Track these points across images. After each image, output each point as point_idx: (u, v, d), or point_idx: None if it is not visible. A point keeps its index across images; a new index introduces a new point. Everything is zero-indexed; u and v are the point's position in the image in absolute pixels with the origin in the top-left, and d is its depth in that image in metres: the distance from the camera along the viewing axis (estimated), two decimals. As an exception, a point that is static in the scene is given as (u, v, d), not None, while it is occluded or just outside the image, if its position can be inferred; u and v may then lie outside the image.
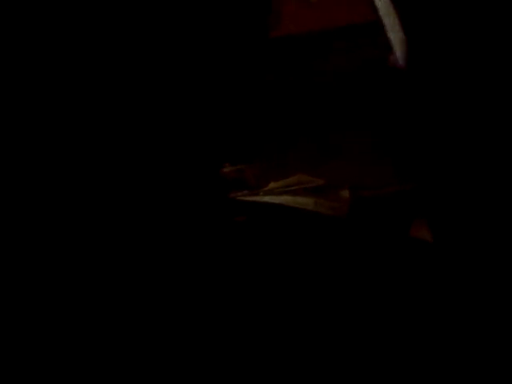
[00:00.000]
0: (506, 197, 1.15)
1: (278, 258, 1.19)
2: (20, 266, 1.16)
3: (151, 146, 1.24)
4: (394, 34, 1.28)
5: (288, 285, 1.18)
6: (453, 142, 1.20)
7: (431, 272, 1.15)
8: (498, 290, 1.11)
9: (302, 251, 1.19)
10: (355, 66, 1.32)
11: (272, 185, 1.23)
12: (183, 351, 1.13)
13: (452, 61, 1.22)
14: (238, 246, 1.20)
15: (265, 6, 1.34)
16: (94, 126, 1.23)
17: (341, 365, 1.12)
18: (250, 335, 1.14)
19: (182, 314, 1.15)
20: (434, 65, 1.23)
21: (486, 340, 1.09)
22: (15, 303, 1.14)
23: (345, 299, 1.16)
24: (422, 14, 1.24)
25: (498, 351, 1.07)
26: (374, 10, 1.31)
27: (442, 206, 1.19)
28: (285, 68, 1.33)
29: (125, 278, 1.17)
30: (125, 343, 1.13)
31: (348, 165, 1.26)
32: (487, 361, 1.07)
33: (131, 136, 1.24)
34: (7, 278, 1.15)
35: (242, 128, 1.28)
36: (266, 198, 1.22)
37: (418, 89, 1.24)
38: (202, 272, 1.19)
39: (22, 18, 1.23)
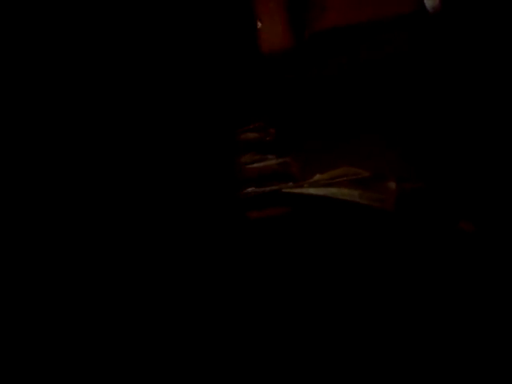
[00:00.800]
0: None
1: (323, 249, 1.19)
2: (20, 266, 1.17)
3: (178, 140, 1.24)
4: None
5: (334, 276, 1.18)
6: (485, 139, 1.19)
7: (476, 264, 1.14)
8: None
9: (347, 243, 1.19)
10: (399, 58, 1.31)
11: (317, 177, 1.22)
12: (187, 349, 1.13)
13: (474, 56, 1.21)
14: (282, 237, 1.20)
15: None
16: (94, 121, 1.23)
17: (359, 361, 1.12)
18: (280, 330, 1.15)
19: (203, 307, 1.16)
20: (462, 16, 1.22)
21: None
22: (15, 303, 1.15)
23: (391, 291, 1.16)
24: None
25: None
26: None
27: (483, 199, 1.18)
28: (329, 61, 1.33)
29: (132, 275, 1.17)
30: (124, 343, 1.13)
31: (390, 158, 1.25)
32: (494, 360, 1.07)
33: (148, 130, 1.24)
34: (7, 278, 1.16)
35: (286, 121, 1.28)
36: (311, 190, 1.21)
37: (446, 82, 1.23)
38: (239, 266, 1.19)
39: (22, 18, 1.24)
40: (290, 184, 1.22)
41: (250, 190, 1.23)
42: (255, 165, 1.24)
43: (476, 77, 1.21)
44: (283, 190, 1.22)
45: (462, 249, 1.15)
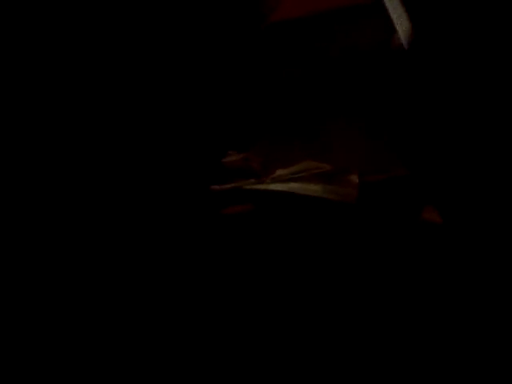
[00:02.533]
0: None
1: (286, 246, 1.18)
2: (20, 266, 1.15)
3: (150, 138, 1.23)
4: (397, 14, 1.26)
5: (297, 274, 1.17)
6: (458, 126, 1.19)
7: (442, 256, 1.14)
8: (505, 276, 1.10)
9: (311, 238, 1.18)
10: (357, 50, 1.29)
11: (279, 172, 1.21)
12: (182, 348, 1.12)
13: (455, 43, 1.20)
14: (245, 235, 1.19)
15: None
16: (90, 121, 1.22)
17: (346, 355, 1.11)
18: (254, 329, 1.14)
19: (184, 310, 1.15)
20: (436, 46, 1.21)
21: (488, 335, 1.09)
22: (15, 303, 1.13)
23: (355, 286, 1.15)
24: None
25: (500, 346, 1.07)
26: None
27: (449, 189, 1.18)
28: (285, 53, 1.31)
29: (123, 275, 1.16)
30: (123, 343, 1.12)
31: (352, 150, 1.24)
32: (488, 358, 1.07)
33: (127, 127, 1.23)
34: (7, 278, 1.14)
35: (246, 115, 1.26)
36: (273, 186, 1.20)
37: (420, 73, 1.22)
38: (206, 264, 1.18)
39: (22, 18, 1.22)
40: (252, 180, 1.21)
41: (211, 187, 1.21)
42: (215, 162, 1.23)
43: (447, 64, 1.20)
44: (244, 187, 1.20)
45: (425, 240, 1.14)
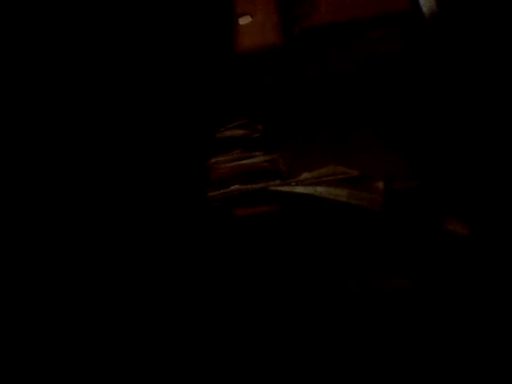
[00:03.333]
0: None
1: (310, 248, 1.18)
2: (20, 266, 1.16)
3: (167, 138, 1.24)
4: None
5: (318, 276, 1.17)
6: (481, 139, 1.19)
7: (466, 265, 1.14)
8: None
9: (334, 242, 1.18)
10: (389, 56, 1.30)
11: (305, 175, 1.21)
12: (183, 349, 1.12)
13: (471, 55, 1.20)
14: (270, 235, 1.19)
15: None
16: (90, 122, 1.23)
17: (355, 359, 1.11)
18: (268, 327, 1.14)
19: (199, 309, 1.15)
20: (457, 22, 1.21)
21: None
22: (15, 303, 1.14)
23: (377, 291, 1.15)
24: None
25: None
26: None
27: (474, 199, 1.18)
28: (318, 58, 1.31)
29: (126, 275, 1.17)
30: (123, 343, 1.12)
31: (379, 157, 1.24)
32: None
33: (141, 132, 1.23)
34: (7, 278, 1.15)
35: (275, 119, 1.27)
36: (299, 189, 1.20)
37: (439, 81, 1.23)
38: (228, 263, 1.18)
39: (22, 18, 1.23)
40: (278, 182, 1.21)
41: (236, 187, 1.21)
42: (242, 162, 1.23)
43: (471, 76, 1.20)
44: (270, 188, 1.20)
45: (448, 250, 1.14)
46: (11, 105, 1.22)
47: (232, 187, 1.21)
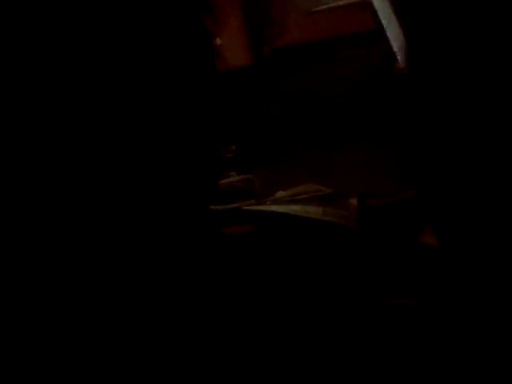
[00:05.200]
0: (508, 202, 1.15)
1: (285, 267, 1.19)
2: (20, 265, 1.15)
3: (151, 151, 1.24)
4: (397, 41, 1.28)
5: (295, 294, 1.17)
6: (457, 149, 1.20)
7: (440, 277, 1.15)
8: (502, 293, 1.12)
9: (310, 260, 1.18)
10: (359, 75, 1.31)
11: (280, 194, 1.21)
12: (182, 352, 1.12)
13: (455, 67, 1.22)
14: (245, 254, 1.19)
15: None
16: (92, 128, 1.22)
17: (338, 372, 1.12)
18: (251, 345, 1.14)
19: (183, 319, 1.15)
20: (437, 71, 1.23)
21: (487, 341, 1.09)
22: (15, 303, 1.13)
23: (354, 306, 1.16)
24: (424, 21, 1.25)
25: (498, 352, 1.08)
26: (376, 18, 1.31)
27: (446, 212, 1.19)
28: (289, 78, 1.33)
29: (124, 279, 1.16)
30: (124, 343, 1.12)
31: (353, 173, 1.25)
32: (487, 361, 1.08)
33: (128, 142, 1.23)
34: (7, 278, 1.14)
35: (249, 137, 1.27)
36: (274, 207, 1.21)
37: (422, 96, 1.24)
38: (205, 282, 1.18)
39: (22, 18, 1.22)
40: (253, 201, 1.22)
41: (212, 206, 1.22)
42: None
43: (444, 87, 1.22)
44: (245, 208, 1.21)
45: (422, 263, 1.16)
46: (11, 105, 1.21)
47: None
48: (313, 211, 1.19)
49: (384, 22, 1.31)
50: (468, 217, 1.16)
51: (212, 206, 1.21)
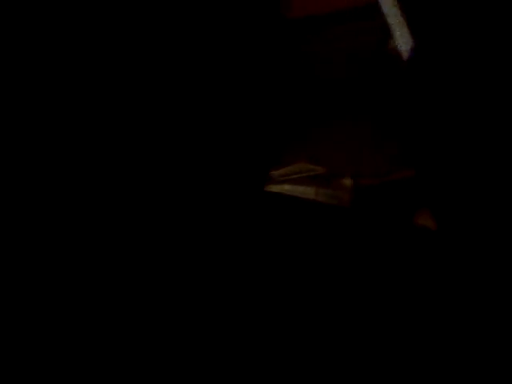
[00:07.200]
0: (508, 185, 1.14)
1: (277, 247, 1.17)
2: (20, 265, 1.15)
3: (154, 144, 1.23)
4: (393, 18, 1.26)
5: (287, 276, 1.16)
6: (454, 129, 1.19)
7: (434, 260, 1.13)
8: (500, 281, 1.10)
9: (302, 241, 1.17)
10: (353, 52, 1.29)
11: (272, 173, 1.20)
12: (183, 351, 1.12)
13: (453, 48, 1.20)
14: (236, 236, 1.18)
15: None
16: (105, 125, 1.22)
17: (341, 360, 1.11)
18: (250, 333, 1.13)
19: (183, 313, 1.14)
20: (434, 50, 1.21)
21: (486, 336, 1.08)
22: (15, 303, 1.13)
23: (348, 290, 1.14)
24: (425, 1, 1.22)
25: (498, 350, 1.07)
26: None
27: (444, 193, 1.18)
28: (281, 54, 1.30)
29: (126, 277, 1.16)
30: (124, 343, 1.12)
31: (348, 153, 1.24)
32: (487, 360, 1.07)
33: (138, 136, 1.22)
34: (7, 278, 1.14)
35: (244, 116, 1.25)
36: (266, 187, 1.19)
37: (418, 75, 1.22)
38: (197, 265, 1.17)
39: (22, 18, 1.22)
40: (244, 181, 1.20)
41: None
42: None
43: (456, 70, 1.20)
44: (237, 188, 1.19)
45: (417, 245, 1.14)
46: (11, 105, 1.20)
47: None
48: (305, 191, 1.18)
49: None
50: (468, 199, 1.15)
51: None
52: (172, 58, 1.25)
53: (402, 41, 1.23)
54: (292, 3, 1.29)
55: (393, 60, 1.23)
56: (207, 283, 1.15)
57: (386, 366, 1.08)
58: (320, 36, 1.28)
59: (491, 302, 1.07)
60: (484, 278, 1.09)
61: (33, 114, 1.21)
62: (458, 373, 1.06)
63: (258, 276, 1.15)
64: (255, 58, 1.26)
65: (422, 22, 1.22)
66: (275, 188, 1.18)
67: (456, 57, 1.18)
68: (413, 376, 1.08)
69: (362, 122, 1.23)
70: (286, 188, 1.18)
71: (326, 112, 1.25)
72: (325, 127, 1.24)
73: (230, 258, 1.16)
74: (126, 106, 1.22)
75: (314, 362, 1.10)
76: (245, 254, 1.17)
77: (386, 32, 1.25)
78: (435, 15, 1.20)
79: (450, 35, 1.19)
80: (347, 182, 1.18)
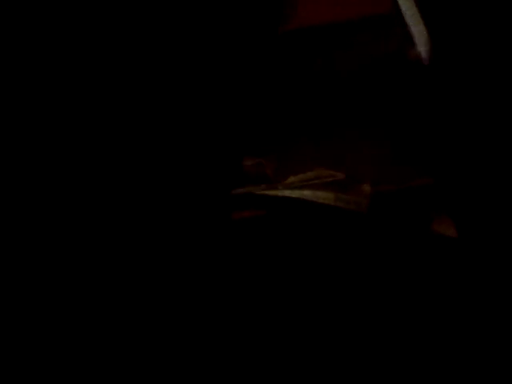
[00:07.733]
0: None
1: (297, 253, 1.18)
2: (20, 265, 1.15)
3: (163, 141, 1.23)
4: (415, 26, 1.26)
5: (305, 280, 1.17)
6: (473, 136, 1.19)
7: (453, 267, 1.14)
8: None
9: (321, 246, 1.18)
10: (374, 60, 1.29)
11: (291, 179, 1.21)
12: (183, 351, 1.12)
13: (473, 54, 1.20)
14: (256, 240, 1.19)
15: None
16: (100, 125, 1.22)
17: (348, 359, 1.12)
18: (260, 332, 1.14)
19: (186, 312, 1.15)
20: (455, 58, 1.22)
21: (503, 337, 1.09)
22: (15, 303, 1.13)
23: (364, 294, 1.15)
24: (444, 6, 1.23)
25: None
26: (394, 1, 1.29)
27: (464, 200, 1.18)
28: (301, 62, 1.31)
29: (126, 277, 1.16)
30: (125, 343, 1.12)
31: (366, 159, 1.24)
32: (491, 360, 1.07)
33: (140, 131, 1.23)
34: (7, 278, 1.14)
35: (262, 121, 1.26)
36: (286, 192, 1.20)
37: (438, 83, 1.23)
38: (216, 268, 1.18)
39: (22, 18, 1.22)
40: (264, 186, 1.21)
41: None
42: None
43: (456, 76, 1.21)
44: (257, 192, 1.20)
45: (435, 252, 1.15)
46: (11, 105, 1.21)
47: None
48: (324, 196, 1.18)
49: (401, 4, 1.28)
50: (487, 206, 1.15)
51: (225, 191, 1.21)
52: (172, 58, 1.26)
53: (423, 47, 1.24)
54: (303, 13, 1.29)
55: (413, 66, 1.24)
56: (211, 283, 1.16)
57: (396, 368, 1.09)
58: (335, 45, 1.29)
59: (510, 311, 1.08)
60: (505, 285, 1.10)
61: (33, 114, 1.21)
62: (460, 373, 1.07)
63: (276, 278, 1.17)
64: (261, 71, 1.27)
65: (443, 28, 1.23)
66: (294, 193, 1.19)
67: (477, 63, 1.19)
68: (415, 376, 1.09)
69: (380, 128, 1.24)
70: (306, 193, 1.19)
71: (346, 118, 1.25)
72: (344, 133, 1.24)
73: (246, 260, 1.17)
74: (118, 108, 1.23)
75: (319, 362, 1.11)
76: (262, 257, 1.18)
77: (406, 39, 1.26)
78: (455, 20, 1.21)
79: (470, 41, 1.20)
80: (366, 188, 1.18)
